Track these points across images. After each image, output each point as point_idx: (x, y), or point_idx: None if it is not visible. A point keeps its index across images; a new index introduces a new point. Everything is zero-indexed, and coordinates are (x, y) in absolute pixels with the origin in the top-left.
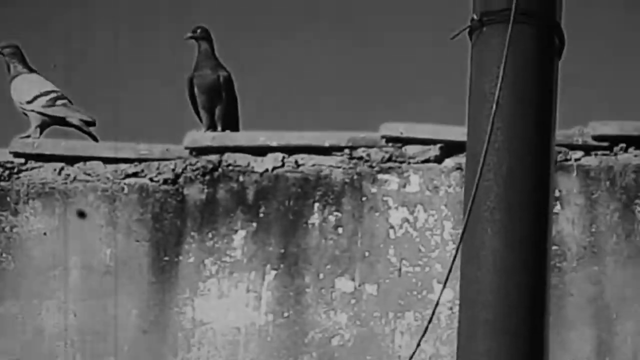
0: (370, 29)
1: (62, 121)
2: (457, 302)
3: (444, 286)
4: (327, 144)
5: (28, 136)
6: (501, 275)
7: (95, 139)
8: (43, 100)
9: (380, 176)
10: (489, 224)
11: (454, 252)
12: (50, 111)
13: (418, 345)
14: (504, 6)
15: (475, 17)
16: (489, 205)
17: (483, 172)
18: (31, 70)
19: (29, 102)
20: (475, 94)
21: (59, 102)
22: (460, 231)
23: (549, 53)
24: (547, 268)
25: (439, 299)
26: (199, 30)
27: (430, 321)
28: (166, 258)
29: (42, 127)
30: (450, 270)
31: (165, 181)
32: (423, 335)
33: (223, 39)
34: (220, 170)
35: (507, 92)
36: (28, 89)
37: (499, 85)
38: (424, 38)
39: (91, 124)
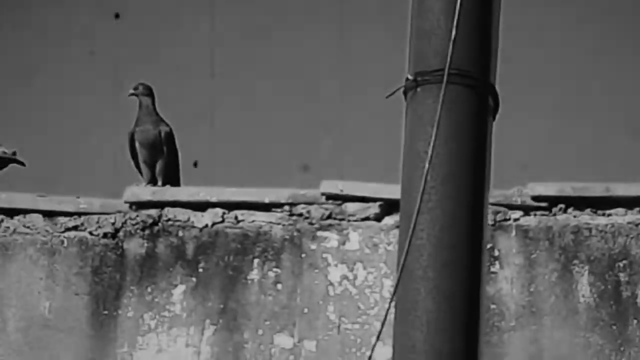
0: (310, 88)
1: None
2: None
3: (375, 344)
4: (267, 200)
5: None
6: (434, 335)
7: (22, 164)
8: None
9: (319, 233)
10: (422, 283)
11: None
12: None
13: None
14: (438, 66)
15: (409, 77)
16: (421, 264)
17: (416, 231)
18: None
19: None
20: (409, 153)
21: None
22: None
23: (483, 114)
24: (479, 327)
25: (370, 355)
26: (140, 87)
27: None
28: (105, 312)
29: None
30: (381, 328)
31: (104, 235)
32: None
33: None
34: (160, 224)
35: (440, 152)
36: None
37: (431, 145)
38: (362, 96)
39: (13, 157)
